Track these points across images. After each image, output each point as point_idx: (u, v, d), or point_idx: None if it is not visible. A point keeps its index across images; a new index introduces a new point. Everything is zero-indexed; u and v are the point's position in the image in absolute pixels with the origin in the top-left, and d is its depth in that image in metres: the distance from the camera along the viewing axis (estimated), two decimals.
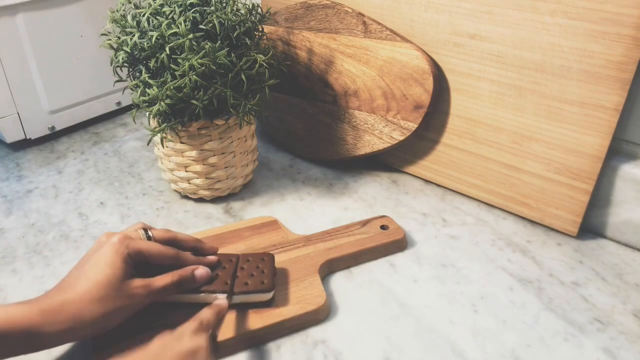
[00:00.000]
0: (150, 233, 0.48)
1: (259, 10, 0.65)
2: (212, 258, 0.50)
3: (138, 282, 0.44)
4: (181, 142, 0.63)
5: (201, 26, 0.57)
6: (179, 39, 0.56)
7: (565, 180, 0.59)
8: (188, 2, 0.58)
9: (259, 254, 0.52)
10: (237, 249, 0.57)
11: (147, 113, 0.61)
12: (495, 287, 0.54)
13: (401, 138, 0.67)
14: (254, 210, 0.67)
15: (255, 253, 0.53)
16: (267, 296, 0.49)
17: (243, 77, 0.59)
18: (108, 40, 0.60)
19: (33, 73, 0.79)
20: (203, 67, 0.56)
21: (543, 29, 0.55)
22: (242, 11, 0.62)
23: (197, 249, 0.51)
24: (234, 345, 0.47)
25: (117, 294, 0.42)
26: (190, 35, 0.56)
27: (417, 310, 0.51)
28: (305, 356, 0.47)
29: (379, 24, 0.66)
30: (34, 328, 0.39)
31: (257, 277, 0.50)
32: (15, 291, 0.54)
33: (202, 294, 0.48)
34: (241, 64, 0.59)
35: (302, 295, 0.50)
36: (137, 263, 0.45)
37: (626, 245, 0.60)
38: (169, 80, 0.57)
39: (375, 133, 0.69)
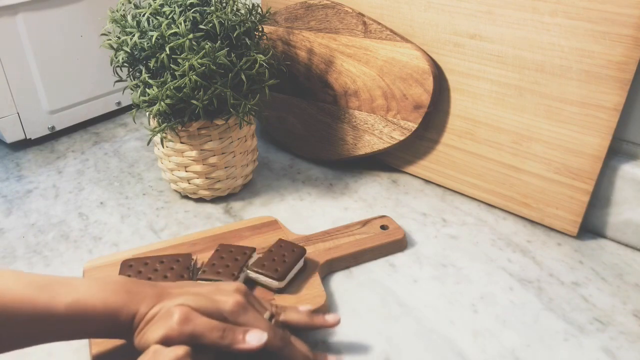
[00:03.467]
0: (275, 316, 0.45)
1: (259, 10, 0.65)
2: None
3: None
4: (181, 142, 0.63)
5: (201, 26, 0.57)
6: (179, 39, 0.56)
7: (565, 180, 0.59)
8: (188, 2, 0.58)
9: (292, 244, 0.54)
10: None
11: (147, 113, 0.61)
12: (495, 287, 0.54)
13: (401, 138, 0.67)
14: (254, 210, 0.67)
15: (290, 242, 0.54)
16: (275, 284, 0.50)
17: (243, 77, 0.59)
18: (108, 40, 0.60)
19: (33, 73, 0.79)
20: (203, 67, 0.56)
21: (543, 29, 0.55)
22: (242, 11, 0.62)
23: None
24: None
25: None
26: (190, 35, 0.56)
27: (417, 310, 0.51)
28: None
29: (379, 24, 0.66)
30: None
31: (277, 263, 0.51)
32: None
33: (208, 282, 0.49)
34: (241, 64, 0.59)
35: (302, 295, 0.50)
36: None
37: (626, 245, 0.60)
38: (169, 80, 0.57)
39: (375, 133, 0.69)
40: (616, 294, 0.53)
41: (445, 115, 0.66)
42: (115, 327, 0.40)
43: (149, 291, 0.41)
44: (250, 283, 0.52)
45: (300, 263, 0.53)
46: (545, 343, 0.48)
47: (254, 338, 0.40)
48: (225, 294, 0.42)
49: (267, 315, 0.44)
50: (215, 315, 0.41)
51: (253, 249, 0.53)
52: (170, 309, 0.40)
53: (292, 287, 0.51)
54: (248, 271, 0.51)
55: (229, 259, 0.51)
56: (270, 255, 0.52)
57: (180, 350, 0.37)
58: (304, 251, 0.53)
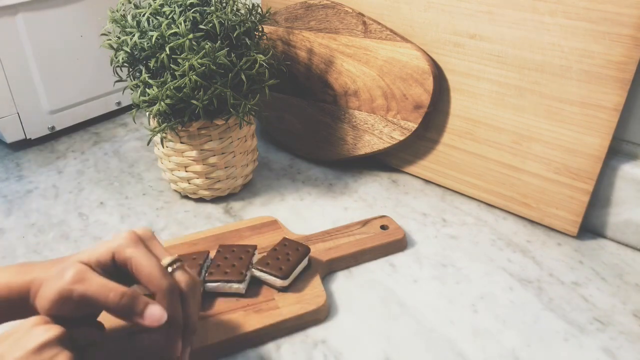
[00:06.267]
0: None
1: (259, 10, 0.65)
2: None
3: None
4: (181, 142, 0.63)
5: (201, 26, 0.57)
6: (179, 39, 0.56)
7: (565, 180, 0.59)
8: (188, 2, 0.58)
9: (297, 243, 0.54)
10: None
11: (147, 113, 0.61)
12: (495, 287, 0.54)
13: (401, 138, 0.67)
14: (254, 210, 0.67)
15: (295, 240, 0.54)
16: (279, 282, 0.50)
17: (243, 77, 0.59)
18: (108, 40, 0.60)
19: (33, 73, 0.79)
20: (203, 67, 0.56)
21: (543, 29, 0.55)
22: (242, 11, 0.62)
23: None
24: (235, 345, 0.47)
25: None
26: (190, 35, 0.56)
27: (417, 310, 0.51)
28: (305, 356, 0.47)
29: (379, 24, 0.66)
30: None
31: (281, 262, 0.51)
32: None
33: (218, 284, 0.50)
34: (241, 64, 0.59)
35: (302, 295, 0.50)
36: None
37: (626, 245, 0.60)
38: (169, 80, 0.57)
39: (375, 133, 0.69)
40: (616, 294, 0.53)
41: (445, 115, 0.66)
42: (10, 304, 0.36)
43: (45, 263, 0.38)
44: (255, 281, 0.52)
45: (305, 262, 0.53)
46: (545, 343, 0.48)
47: (154, 313, 0.35)
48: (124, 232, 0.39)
49: (166, 260, 0.39)
50: (106, 258, 0.37)
51: (254, 247, 0.53)
52: (65, 266, 0.35)
53: (295, 286, 0.51)
54: (253, 269, 0.51)
55: (234, 259, 0.52)
56: (274, 253, 0.52)
57: (53, 331, 0.33)
58: (308, 250, 0.53)
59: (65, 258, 0.39)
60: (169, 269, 0.38)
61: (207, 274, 0.50)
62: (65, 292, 0.35)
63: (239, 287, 0.50)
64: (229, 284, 0.50)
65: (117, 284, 0.35)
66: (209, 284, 0.50)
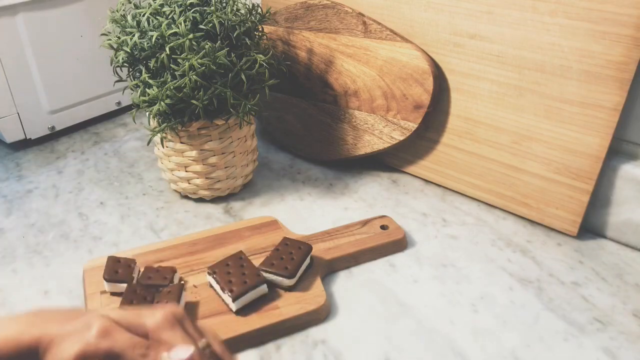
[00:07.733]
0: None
1: (259, 10, 0.65)
2: None
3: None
4: (181, 142, 0.63)
5: (201, 26, 0.57)
6: (179, 39, 0.56)
7: (565, 180, 0.59)
8: (188, 2, 0.58)
9: (298, 242, 0.54)
10: (237, 248, 0.57)
11: (147, 113, 0.61)
12: (495, 287, 0.54)
13: (401, 138, 0.67)
14: (254, 210, 0.67)
15: (295, 239, 0.55)
16: (287, 282, 0.51)
17: (243, 77, 0.59)
18: (108, 40, 0.60)
19: (33, 73, 0.79)
20: (203, 67, 0.56)
21: (543, 29, 0.55)
22: (242, 11, 0.62)
23: None
24: (234, 345, 0.47)
25: None
26: (190, 35, 0.56)
27: (417, 310, 0.51)
28: (305, 356, 0.47)
29: (379, 24, 0.66)
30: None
31: (285, 261, 0.52)
32: (15, 291, 0.55)
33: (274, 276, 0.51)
34: (241, 64, 0.59)
35: (302, 295, 0.51)
36: None
37: (626, 245, 0.60)
38: (169, 80, 0.57)
39: (375, 133, 0.69)
40: (616, 294, 0.53)
41: (445, 115, 0.66)
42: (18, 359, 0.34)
43: (58, 313, 0.36)
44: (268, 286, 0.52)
45: (307, 260, 0.53)
46: (545, 343, 0.48)
47: (179, 353, 0.34)
48: (155, 309, 0.37)
49: (202, 343, 0.37)
50: (136, 329, 0.36)
51: (310, 248, 0.54)
52: (89, 321, 0.34)
53: (297, 285, 0.51)
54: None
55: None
56: (277, 254, 0.52)
57: None
58: (310, 248, 0.53)
59: (81, 311, 0.37)
60: (206, 352, 0.37)
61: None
62: (91, 346, 0.34)
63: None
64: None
65: (141, 339, 0.35)
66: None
